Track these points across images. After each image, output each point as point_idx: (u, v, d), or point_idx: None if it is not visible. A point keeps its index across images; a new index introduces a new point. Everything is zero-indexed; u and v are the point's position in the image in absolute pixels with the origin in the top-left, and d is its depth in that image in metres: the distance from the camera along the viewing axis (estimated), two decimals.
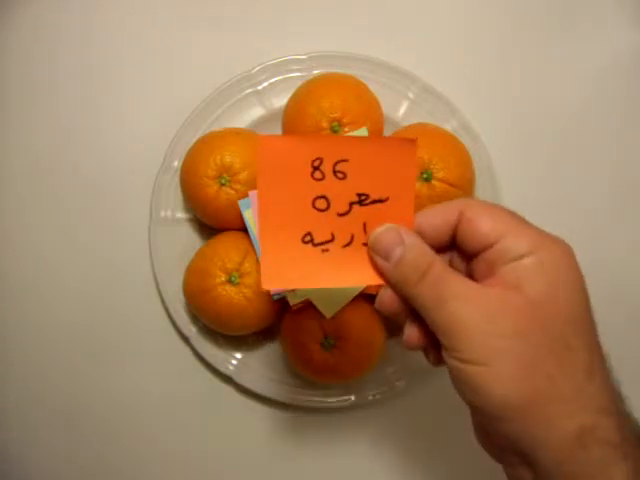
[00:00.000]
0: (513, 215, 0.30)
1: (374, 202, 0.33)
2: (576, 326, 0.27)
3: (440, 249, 0.31)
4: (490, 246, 0.29)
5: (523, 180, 0.55)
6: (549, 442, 0.26)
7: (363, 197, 0.33)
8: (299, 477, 0.52)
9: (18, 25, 0.56)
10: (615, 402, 0.27)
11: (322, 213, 0.32)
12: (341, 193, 0.32)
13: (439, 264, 0.29)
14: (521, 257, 0.28)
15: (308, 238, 0.32)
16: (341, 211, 0.32)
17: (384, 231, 0.31)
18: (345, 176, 0.32)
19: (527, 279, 0.28)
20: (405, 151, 0.32)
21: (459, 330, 0.27)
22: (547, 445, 0.26)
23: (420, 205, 0.45)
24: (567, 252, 0.29)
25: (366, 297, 0.47)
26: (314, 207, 0.32)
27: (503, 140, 0.54)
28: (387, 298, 0.31)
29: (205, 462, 0.52)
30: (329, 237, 0.32)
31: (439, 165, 0.46)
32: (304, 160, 0.31)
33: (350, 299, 0.46)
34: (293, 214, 0.32)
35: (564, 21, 0.57)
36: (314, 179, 0.32)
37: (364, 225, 0.33)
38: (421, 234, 0.31)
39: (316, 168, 0.32)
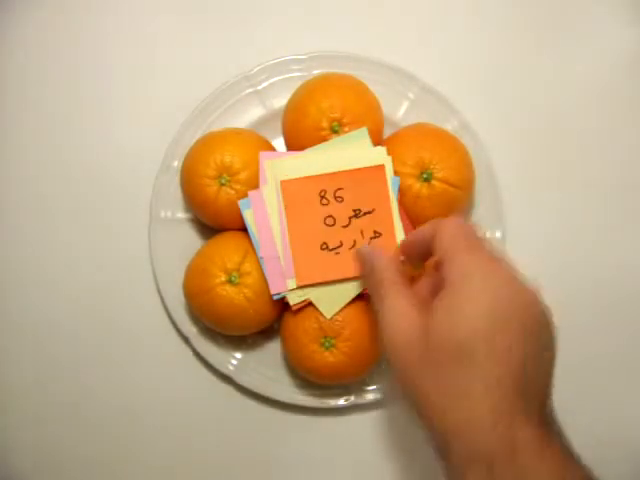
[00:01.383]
0: (466, 232, 0.33)
1: (365, 214, 0.45)
2: (449, 354, 0.30)
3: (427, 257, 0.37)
4: (442, 264, 0.33)
5: (523, 180, 0.55)
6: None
7: (357, 212, 0.45)
8: (299, 477, 0.52)
9: (17, 25, 0.56)
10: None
11: (331, 227, 0.45)
12: (342, 212, 0.46)
13: (388, 281, 0.36)
14: (462, 282, 0.31)
15: (324, 246, 0.45)
16: (344, 224, 0.45)
17: (363, 251, 0.41)
18: (343, 199, 0.46)
19: (439, 307, 0.31)
20: (377, 174, 0.46)
21: (382, 325, 0.34)
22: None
23: (420, 205, 0.46)
24: (512, 285, 0.31)
25: (366, 297, 0.47)
26: (325, 224, 0.45)
27: (503, 140, 0.54)
28: None
29: (205, 462, 0.52)
30: (339, 244, 0.45)
31: (439, 165, 0.46)
32: (313, 193, 0.46)
33: (350, 299, 0.46)
34: (312, 231, 0.45)
35: (564, 21, 0.57)
36: (322, 205, 0.45)
37: (361, 232, 0.46)
38: (413, 245, 0.38)
39: (322, 197, 0.45)
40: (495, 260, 0.32)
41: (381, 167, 0.46)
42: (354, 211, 0.45)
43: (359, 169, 0.46)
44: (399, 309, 0.33)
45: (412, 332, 0.32)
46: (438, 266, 0.33)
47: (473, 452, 0.29)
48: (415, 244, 0.38)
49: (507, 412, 0.29)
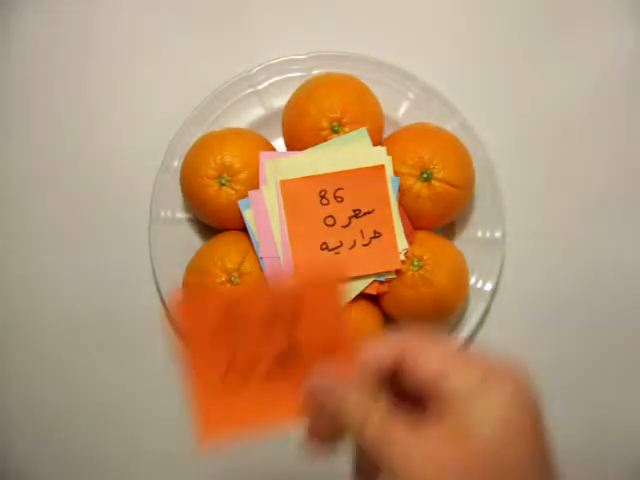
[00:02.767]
0: (455, 351, 0.28)
1: (365, 214, 0.46)
2: (523, 473, 0.26)
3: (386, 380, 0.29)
4: (434, 387, 0.27)
5: (523, 180, 0.55)
6: None
7: (357, 212, 0.46)
8: (299, 477, 0.52)
9: (17, 25, 0.56)
10: None
11: (331, 227, 0.46)
12: (342, 211, 0.46)
13: (381, 420, 0.27)
14: (467, 400, 0.26)
15: (324, 246, 0.46)
16: (344, 224, 0.46)
17: (315, 384, 0.30)
18: (343, 199, 0.46)
19: (474, 424, 0.26)
20: (377, 174, 0.46)
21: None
22: None
23: (421, 205, 0.46)
24: (519, 389, 0.27)
25: (366, 297, 0.47)
26: (325, 224, 0.46)
27: (503, 140, 0.54)
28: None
29: (205, 461, 0.52)
30: (339, 244, 0.46)
31: (439, 165, 0.46)
32: (313, 193, 0.46)
33: (350, 299, 0.46)
34: (312, 231, 0.46)
35: (564, 21, 0.57)
36: (322, 205, 0.46)
37: (361, 232, 0.46)
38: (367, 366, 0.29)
39: (322, 197, 0.46)
40: (490, 369, 0.27)
41: (381, 167, 0.46)
42: (354, 211, 0.46)
43: (359, 169, 0.46)
44: (419, 452, 0.25)
45: (445, 461, 0.25)
46: (423, 391, 0.27)
47: None
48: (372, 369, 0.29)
49: None
